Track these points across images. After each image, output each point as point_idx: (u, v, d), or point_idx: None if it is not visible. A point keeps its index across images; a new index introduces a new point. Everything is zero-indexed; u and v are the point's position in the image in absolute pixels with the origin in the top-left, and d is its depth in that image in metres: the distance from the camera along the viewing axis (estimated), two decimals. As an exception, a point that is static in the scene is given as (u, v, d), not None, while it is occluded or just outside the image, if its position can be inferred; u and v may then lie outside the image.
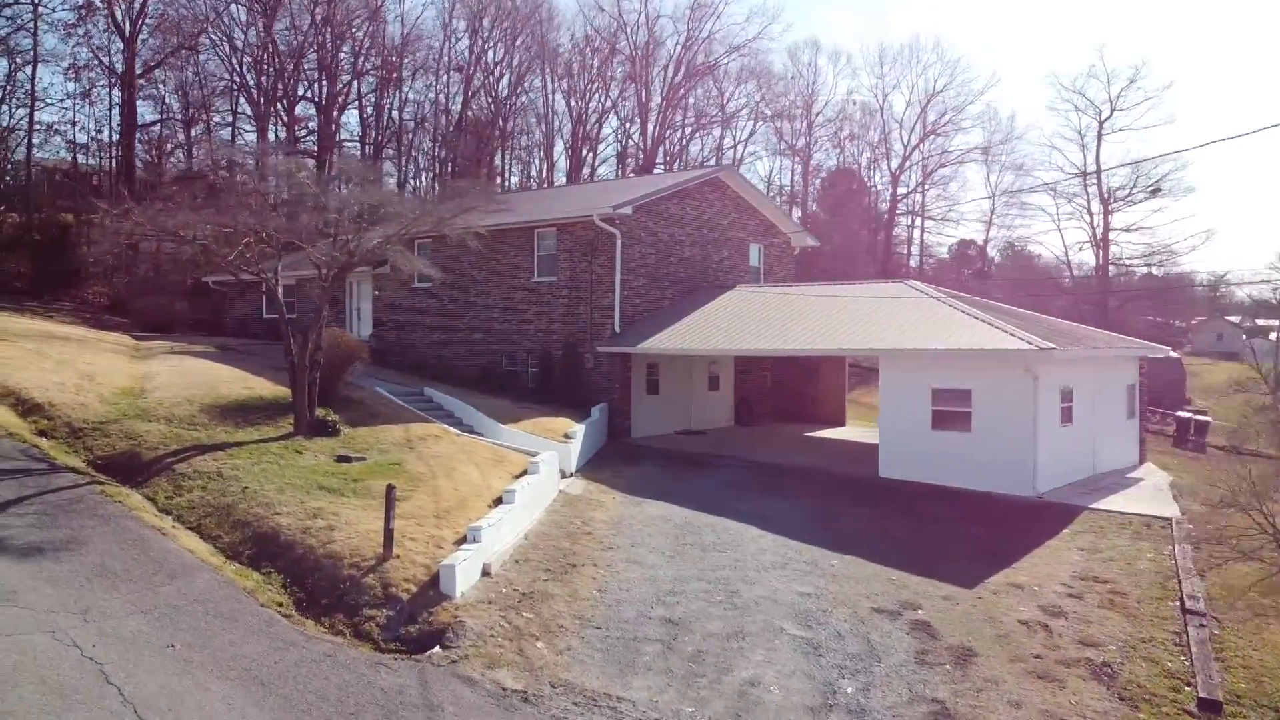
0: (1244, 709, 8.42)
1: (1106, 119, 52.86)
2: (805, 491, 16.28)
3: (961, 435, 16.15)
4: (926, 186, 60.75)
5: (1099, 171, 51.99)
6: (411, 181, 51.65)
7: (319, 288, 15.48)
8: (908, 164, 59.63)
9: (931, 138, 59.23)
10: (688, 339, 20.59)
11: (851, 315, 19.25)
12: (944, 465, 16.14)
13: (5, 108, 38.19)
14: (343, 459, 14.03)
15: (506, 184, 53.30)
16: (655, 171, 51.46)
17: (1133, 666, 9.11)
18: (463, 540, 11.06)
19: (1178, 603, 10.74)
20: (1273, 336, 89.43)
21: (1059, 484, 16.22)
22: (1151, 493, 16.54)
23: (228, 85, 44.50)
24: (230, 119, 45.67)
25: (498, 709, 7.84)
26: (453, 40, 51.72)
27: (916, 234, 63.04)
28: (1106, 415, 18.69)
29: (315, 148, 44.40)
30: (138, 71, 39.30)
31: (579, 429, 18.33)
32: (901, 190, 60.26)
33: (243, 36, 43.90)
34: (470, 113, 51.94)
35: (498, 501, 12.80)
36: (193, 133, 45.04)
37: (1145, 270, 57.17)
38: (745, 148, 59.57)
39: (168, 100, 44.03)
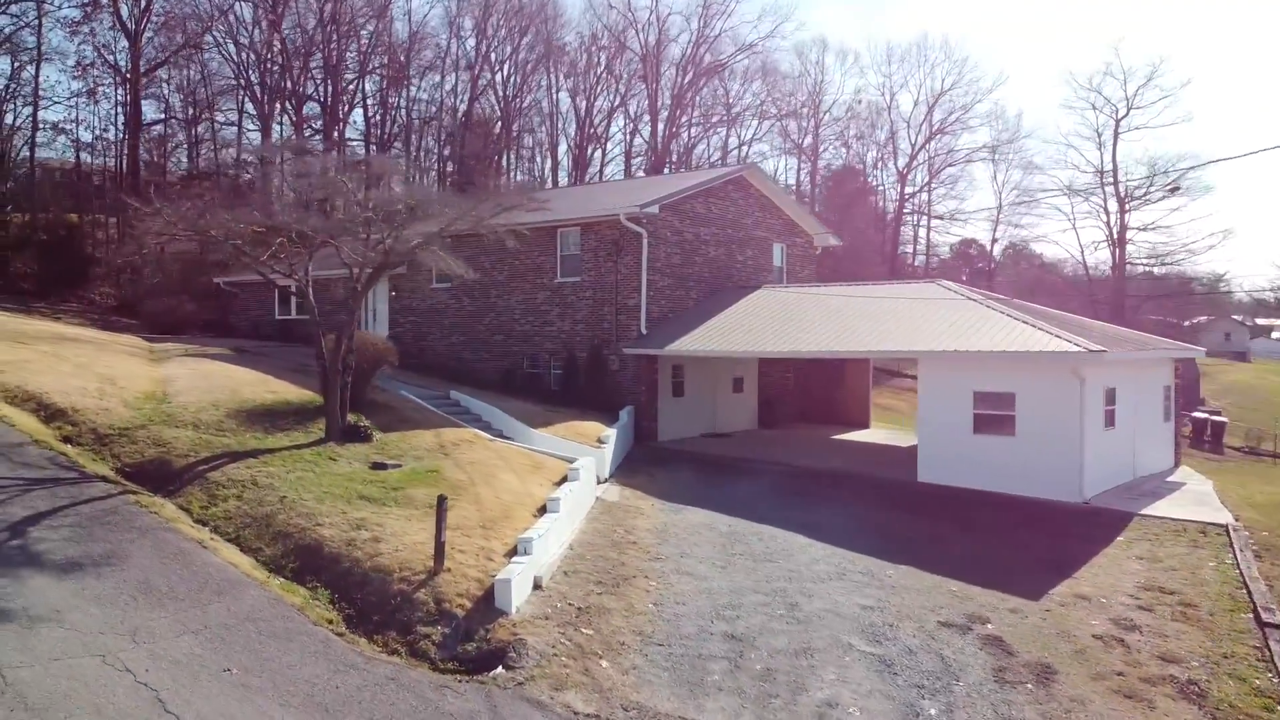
0: (1343, 730, 8.10)
1: (1123, 117, 52.61)
2: (845, 497, 15.93)
3: (1004, 439, 15.80)
4: (933, 185, 60.51)
5: (1115, 171, 51.66)
6: (417, 180, 51.18)
7: (351, 288, 15.08)
8: (915, 163, 59.41)
9: (939, 137, 59.01)
10: (717, 341, 20.20)
11: (886, 315, 18.88)
12: (986, 470, 15.80)
13: (10, 106, 37.76)
14: (378, 466, 13.65)
15: (511, 184, 52.80)
16: (664, 171, 51.04)
17: (1220, 684, 8.78)
18: (513, 551, 10.69)
19: (1251, 615, 10.41)
20: (1274, 335, 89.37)
21: (1103, 489, 15.90)
22: (1196, 498, 16.22)
23: (233, 84, 44.08)
24: (236, 118, 45.26)
25: (573, 735, 7.50)
26: (460, 39, 51.37)
27: (923, 233, 62.85)
28: (1145, 418, 18.38)
29: (320, 147, 43.96)
30: (143, 70, 38.85)
31: (611, 433, 17.91)
32: (909, 189, 60.05)
33: (248, 35, 43.49)
34: (476, 111, 51.52)
35: (541, 510, 12.43)
36: (195, 132, 44.61)
37: (1151, 269, 56.95)
38: (751, 147, 59.31)
39: (170, 100, 43.64)
